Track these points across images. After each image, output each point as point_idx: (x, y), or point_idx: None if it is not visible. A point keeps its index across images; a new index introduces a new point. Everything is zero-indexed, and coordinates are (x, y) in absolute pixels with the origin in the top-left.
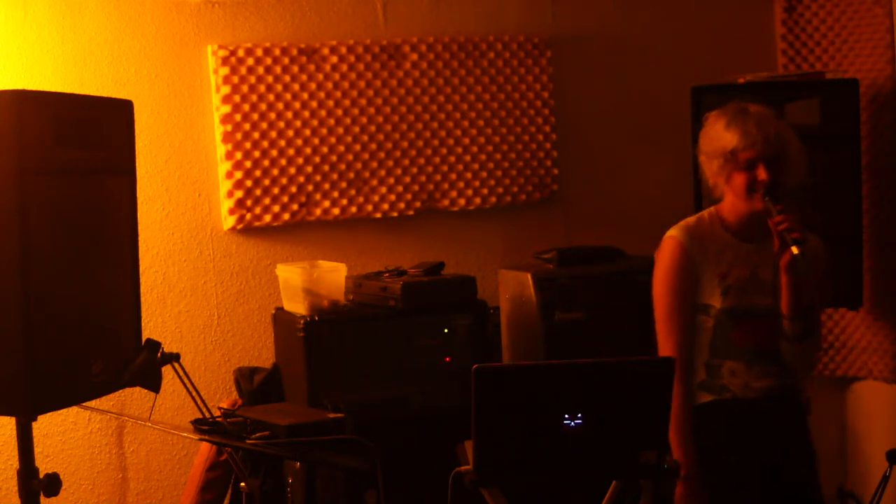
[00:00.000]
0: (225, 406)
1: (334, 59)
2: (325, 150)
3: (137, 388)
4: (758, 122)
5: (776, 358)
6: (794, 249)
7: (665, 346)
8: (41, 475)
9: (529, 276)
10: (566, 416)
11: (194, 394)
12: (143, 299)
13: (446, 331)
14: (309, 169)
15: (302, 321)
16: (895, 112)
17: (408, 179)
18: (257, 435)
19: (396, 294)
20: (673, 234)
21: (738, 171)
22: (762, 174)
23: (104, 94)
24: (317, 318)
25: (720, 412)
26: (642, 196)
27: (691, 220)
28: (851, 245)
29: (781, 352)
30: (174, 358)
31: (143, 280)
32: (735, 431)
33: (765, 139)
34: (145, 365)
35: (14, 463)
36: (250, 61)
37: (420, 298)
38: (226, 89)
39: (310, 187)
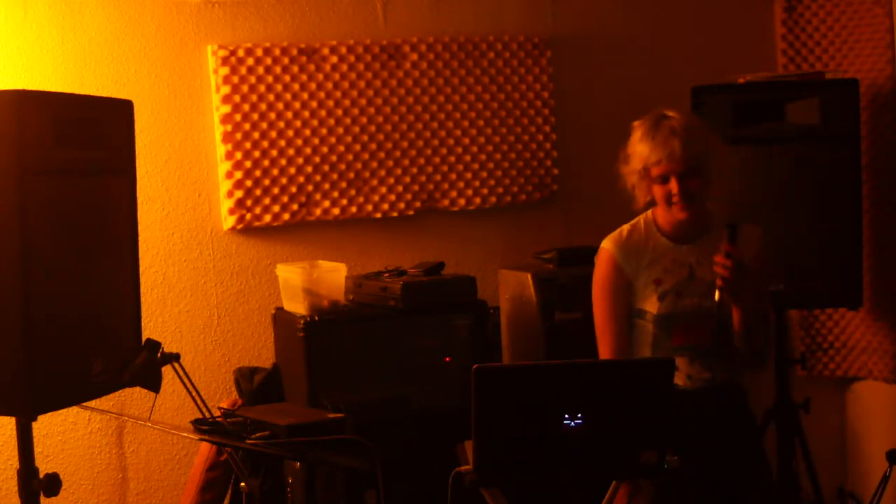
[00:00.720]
0: (225, 406)
1: (334, 59)
2: (325, 150)
3: (137, 388)
4: (665, 138)
5: (717, 353)
6: (716, 295)
7: (603, 351)
8: (41, 475)
9: (529, 276)
10: (566, 416)
11: (194, 394)
12: (143, 299)
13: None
14: (309, 169)
15: (302, 321)
16: (895, 112)
17: (408, 179)
18: (257, 435)
19: (396, 294)
20: (605, 245)
21: (654, 184)
22: (673, 188)
23: (104, 94)
24: (317, 318)
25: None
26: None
27: (626, 227)
28: (851, 245)
29: (734, 349)
30: (174, 358)
31: (143, 280)
32: (680, 419)
33: (670, 156)
34: (145, 365)
35: (14, 463)
36: (250, 61)
37: (420, 298)
38: (226, 89)
39: (310, 187)
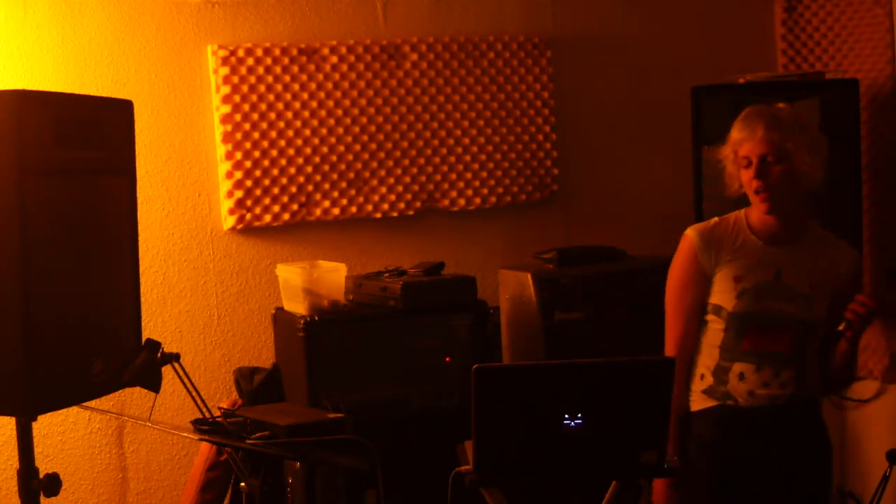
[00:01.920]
0: (225, 406)
1: (334, 59)
2: (325, 150)
3: (137, 388)
4: (752, 120)
5: (788, 364)
6: (840, 327)
7: (668, 342)
8: (41, 475)
9: (529, 276)
10: (566, 416)
11: (194, 394)
12: (143, 299)
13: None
14: (309, 169)
15: (302, 321)
16: (895, 112)
17: (408, 179)
18: (257, 435)
19: (396, 294)
20: (688, 232)
21: (742, 170)
22: (753, 171)
23: (104, 94)
24: (317, 318)
25: (721, 418)
26: (642, 196)
27: (714, 219)
28: (851, 245)
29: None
30: (174, 358)
31: (143, 280)
32: (732, 437)
33: (752, 136)
34: (145, 365)
35: (14, 463)
36: (250, 61)
37: (420, 298)
38: (226, 89)
39: (310, 187)
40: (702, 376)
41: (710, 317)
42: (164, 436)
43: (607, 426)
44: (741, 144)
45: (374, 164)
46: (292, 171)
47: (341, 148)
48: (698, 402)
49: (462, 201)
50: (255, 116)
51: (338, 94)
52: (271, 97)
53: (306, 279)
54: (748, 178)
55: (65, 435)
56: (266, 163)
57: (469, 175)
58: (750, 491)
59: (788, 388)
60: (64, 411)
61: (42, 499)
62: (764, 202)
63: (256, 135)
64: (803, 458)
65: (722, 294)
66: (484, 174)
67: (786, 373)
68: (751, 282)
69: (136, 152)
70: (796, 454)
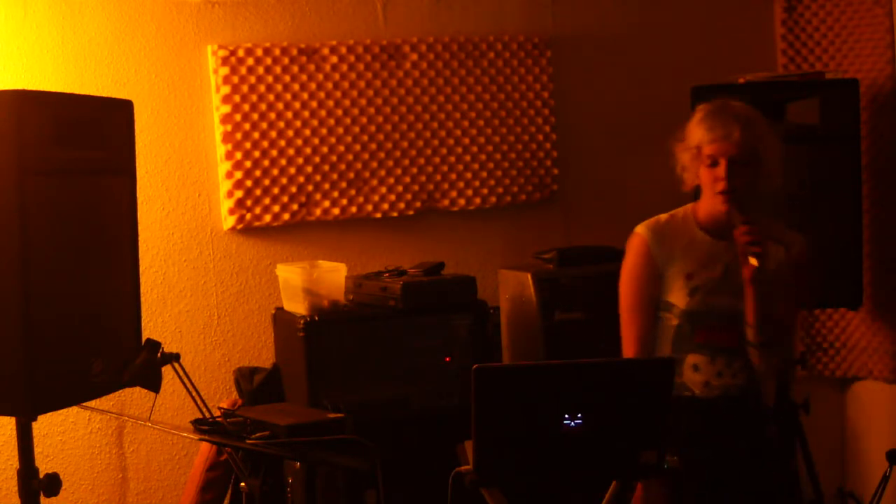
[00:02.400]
0: (225, 406)
1: (334, 59)
2: (325, 150)
3: (137, 388)
4: (726, 120)
5: (739, 356)
6: (753, 261)
7: (626, 341)
8: (41, 475)
9: (529, 276)
10: (566, 416)
11: (194, 394)
12: (143, 299)
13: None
14: (309, 169)
15: (302, 321)
16: (895, 112)
17: (408, 179)
18: (257, 435)
19: (396, 294)
20: (638, 230)
21: (703, 167)
22: (720, 172)
23: (104, 94)
24: (317, 318)
25: (677, 410)
26: (642, 196)
27: (663, 216)
28: (851, 245)
29: (748, 354)
30: (174, 358)
31: (143, 280)
32: (691, 429)
33: (727, 137)
34: (145, 365)
35: (14, 463)
36: (250, 61)
37: (420, 298)
38: (226, 89)
39: (310, 187)
40: None
41: (663, 313)
42: (164, 436)
43: (607, 426)
44: (710, 143)
45: (374, 164)
46: (292, 171)
47: (341, 148)
48: None
49: (462, 201)
50: (255, 116)
51: (338, 94)
52: (271, 97)
53: (306, 279)
54: (711, 176)
55: (65, 435)
56: (266, 163)
57: (469, 175)
58: (710, 480)
59: (740, 378)
60: (64, 411)
61: (42, 499)
62: (725, 203)
63: (256, 135)
64: (760, 449)
65: (674, 292)
66: (484, 174)
67: (738, 363)
68: (701, 279)
69: (136, 152)
70: (752, 445)
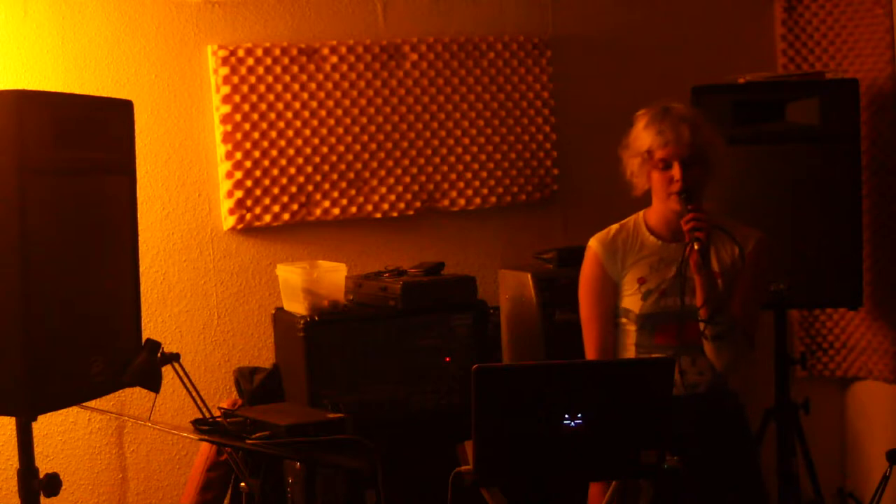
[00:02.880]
0: (225, 406)
1: (334, 59)
2: (325, 150)
3: (137, 388)
4: (674, 123)
5: (702, 352)
6: (695, 245)
7: (587, 350)
8: (41, 475)
9: (529, 276)
10: (566, 416)
11: (194, 394)
12: (143, 299)
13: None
14: (309, 169)
15: (302, 321)
16: (895, 112)
17: (408, 179)
18: (257, 435)
19: (396, 294)
20: (591, 244)
21: (655, 171)
22: (676, 174)
23: (104, 94)
24: (317, 318)
25: None
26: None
27: (615, 227)
28: (851, 245)
29: (705, 350)
30: (174, 358)
31: (143, 280)
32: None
33: (678, 140)
34: (145, 365)
35: (14, 463)
36: (250, 61)
37: (420, 298)
38: (226, 89)
39: (310, 187)
40: None
41: (622, 319)
42: (164, 436)
43: (607, 426)
44: (661, 147)
45: (374, 164)
46: (292, 171)
47: (341, 148)
48: None
49: (462, 201)
50: (255, 116)
51: (338, 94)
52: (271, 97)
53: (306, 279)
54: (665, 179)
55: (65, 435)
56: (266, 163)
57: (469, 175)
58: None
59: (706, 375)
60: (64, 411)
61: (42, 499)
62: (678, 203)
63: (256, 135)
64: (726, 446)
65: (628, 297)
66: (484, 174)
67: (702, 361)
68: (654, 282)
69: (136, 152)
70: (719, 442)
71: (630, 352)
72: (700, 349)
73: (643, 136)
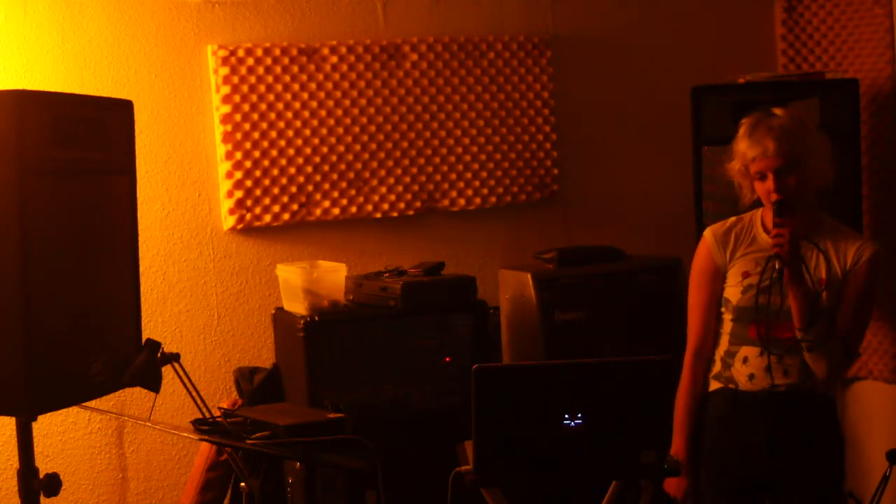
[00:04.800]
0: (225, 406)
1: (334, 59)
2: (325, 150)
3: (137, 388)
4: (763, 136)
5: (793, 354)
6: (776, 263)
7: (689, 334)
8: (41, 475)
9: (529, 276)
10: (566, 416)
11: (194, 394)
12: (143, 299)
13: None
14: (309, 169)
15: (302, 321)
16: (895, 112)
17: (408, 179)
18: (257, 435)
19: (396, 294)
20: (705, 233)
21: (755, 181)
22: (770, 185)
23: (104, 94)
24: (317, 318)
25: (721, 401)
26: (642, 196)
27: (731, 219)
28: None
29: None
30: (174, 358)
31: (143, 280)
32: (732, 419)
33: (765, 152)
34: (145, 365)
35: (14, 463)
36: (250, 61)
37: (420, 298)
38: (226, 89)
39: (310, 187)
40: (715, 362)
41: (722, 309)
42: (164, 436)
43: (607, 426)
44: (753, 161)
45: (374, 164)
46: (292, 171)
47: (341, 148)
48: (710, 387)
49: (462, 201)
50: (255, 116)
51: (338, 94)
52: (271, 97)
53: (306, 279)
54: (765, 189)
55: (65, 435)
56: (266, 163)
57: (469, 175)
58: (748, 474)
59: (791, 376)
60: (64, 411)
61: (42, 499)
62: (773, 213)
63: (256, 135)
64: (804, 451)
65: (730, 288)
66: (484, 174)
67: (789, 360)
68: (758, 277)
69: (136, 152)
70: (796, 445)
71: (724, 341)
72: (790, 348)
73: (739, 149)
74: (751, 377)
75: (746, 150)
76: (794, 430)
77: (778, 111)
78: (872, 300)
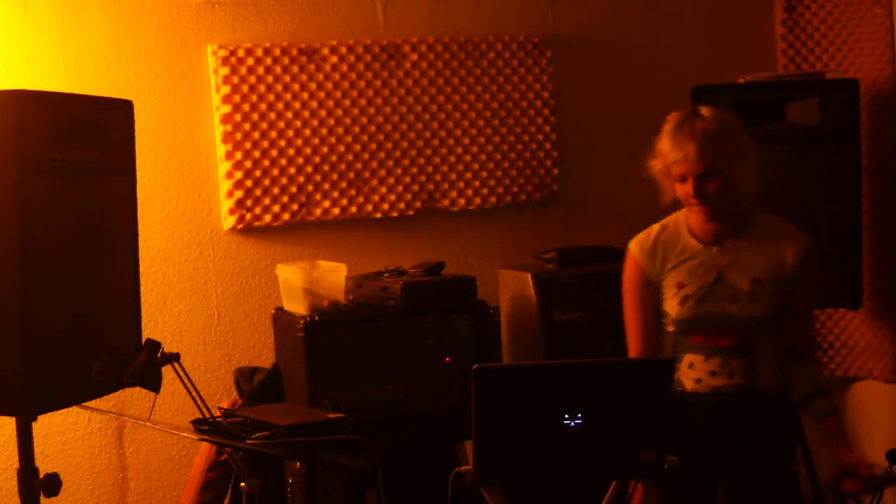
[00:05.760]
0: (225, 406)
1: (334, 59)
2: (325, 150)
3: (137, 388)
4: (685, 140)
5: (737, 356)
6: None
7: (629, 349)
8: (41, 475)
9: (529, 276)
10: (566, 416)
11: (194, 394)
12: (143, 299)
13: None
14: (309, 169)
15: (302, 321)
16: (895, 112)
17: (408, 179)
18: (257, 435)
19: (396, 294)
20: (630, 246)
21: (676, 182)
22: (689, 189)
23: (104, 94)
24: (317, 318)
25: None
26: (642, 196)
27: (655, 227)
28: (851, 245)
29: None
30: (174, 358)
31: (143, 280)
32: (677, 423)
33: (686, 157)
34: (145, 365)
35: (14, 463)
36: (250, 61)
37: (420, 298)
38: (226, 89)
39: (310, 187)
40: None
41: (663, 320)
42: (164, 436)
43: (607, 426)
44: (675, 164)
45: (374, 164)
46: (292, 171)
47: (341, 148)
48: None
49: (462, 201)
50: (255, 116)
51: (338, 94)
52: (271, 97)
53: (306, 279)
54: (685, 192)
55: (65, 435)
56: (266, 163)
57: (469, 175)
58: (698, 477)
59: (737, 377)
60: (64, 411)
61: (42, 499)
62: (702, 213)
63: (256, 135)
64: (754, 448)
65: (667, 301)
66: (484, 174)
67: (734, 363)
68: (692, 287)
69: (136, 152)
70: (746, 443)
71: (668, 350)
72: (735, 352)
73: (663, 146)
74: (697, 381)
75: (668, 153)
76: (742, 428)
77: (704, 111)
78: (818, 292)
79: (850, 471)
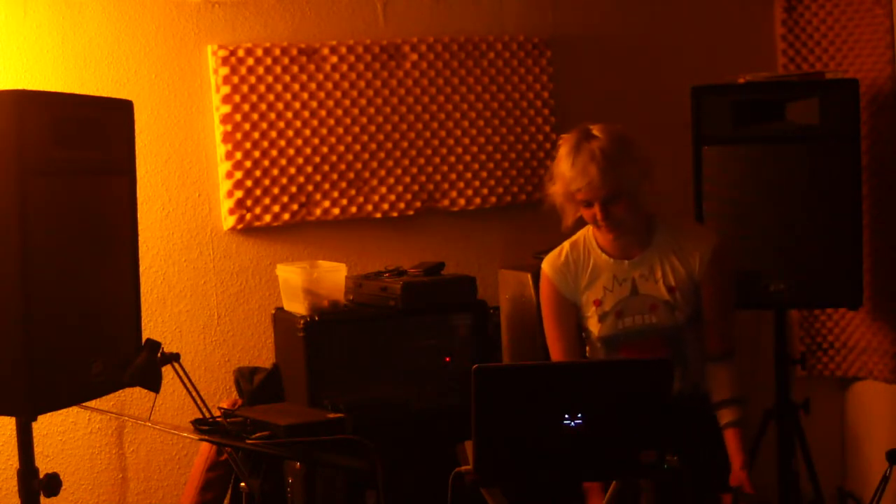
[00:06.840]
0: (225, 406)
1: (334, 59)
2: (325, 150)
3: (137, 388)
4: (591, 161)
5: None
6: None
7: None
8: (41, 475)
9: (529, 276)
10: (566, 416)
11: (194, 394)
12: (143, 299)
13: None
14: (309, 169)
15: (302, 321)
16: (895, 112)
17: (408, 179)
18: (257, 435)
19: (396, 294)
20: (543, 267)
21: (581, 206)
22: (597, 213)
23: (104, 94)
24: (317, 318)
25: None
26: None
27: (566, 246)
28: (851, 245)
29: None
30: (174, 358)
31: (143, 280)
32: None
33: (590, 184)
34: (145, 365)
35: (14, 463)
36: (250, 61)
37: (420, 298)
38: (226, 89)
39: (310, 187)
40: None
41: (587, 338)
42: (164, 436)
43: (607, 426)
44: (578, 191)
45: (374, 164)
46: (292, 171)
47: (341, 148)
48: None
49: (462, 201)
50: (255, 116)
51: (338, 94)
52: (271, 97)
53: (306, 279)
54: (591, 215)
55: (65, 435)
56: (266, 163)
57: (469, 175)
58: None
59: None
60: (64, 411)
61: (42, 499)
62: (611, 233)
63: (256, 135)
64: (687, 449)
65: (587, 319)
66: (484, 174)
67: None
68: (609, 304)
69: (136, 152)
70: (688, 447)
71: None
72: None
73: (560, 174)
74: None
75: (571, 180)
76: (676, 430)
77: (596, 131)
78: (734, 292)
79: (734, 489)
